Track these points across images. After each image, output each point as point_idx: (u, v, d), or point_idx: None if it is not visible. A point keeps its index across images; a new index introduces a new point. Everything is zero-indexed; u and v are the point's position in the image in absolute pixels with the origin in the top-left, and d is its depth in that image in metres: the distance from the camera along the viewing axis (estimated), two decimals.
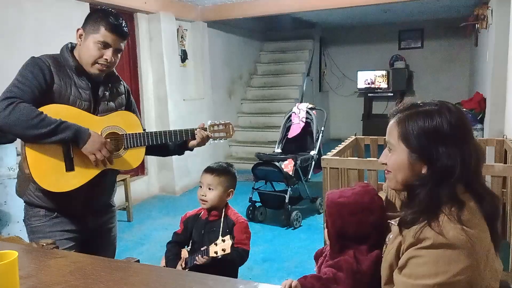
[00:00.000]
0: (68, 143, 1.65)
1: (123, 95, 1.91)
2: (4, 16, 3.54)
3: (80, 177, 1.69)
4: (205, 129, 1.95)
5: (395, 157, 1.14)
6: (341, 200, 1.34)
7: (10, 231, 2.98)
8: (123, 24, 1.73)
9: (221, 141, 2.02)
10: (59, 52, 1.75)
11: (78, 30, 1.73)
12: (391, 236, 1.19)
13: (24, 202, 1.79)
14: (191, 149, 1.99)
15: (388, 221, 1.26)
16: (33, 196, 1.74)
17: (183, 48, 5.80)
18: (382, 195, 1.40)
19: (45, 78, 1.63)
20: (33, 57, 1.68)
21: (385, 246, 1.25)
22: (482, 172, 1.15)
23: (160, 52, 5.24)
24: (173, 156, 6.06)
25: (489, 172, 2.52)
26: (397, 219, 1.15)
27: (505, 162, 3.31)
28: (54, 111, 1.63)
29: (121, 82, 1.94)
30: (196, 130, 1.93)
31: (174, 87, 5.43)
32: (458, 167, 1.05)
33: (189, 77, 5.99)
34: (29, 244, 1.47)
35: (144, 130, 1.92)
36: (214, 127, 1.97)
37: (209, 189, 1.92)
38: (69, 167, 1.67)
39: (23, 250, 1.36)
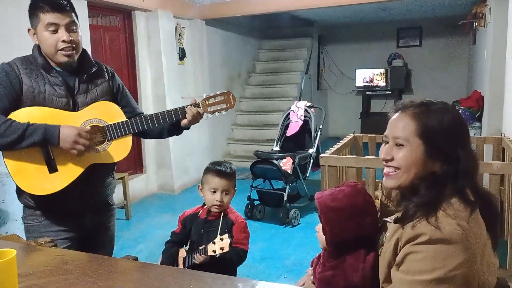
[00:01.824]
0: (46, 145, 1.61)
1: (106, 82, 1.82)
2: (4, 16, 3.53)
3: (65, 177, 1.66)
4: (198, 105, 1.81)
5: (407, 153, 1.11)
6: (336, 205, 1.29)
7: (8, 229, 2.98)
8: None
9: (223, 113, 1.86)
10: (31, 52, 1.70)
11: (29, 31, 1.69)
12: (387, 235, 1.18)
13: (22, 203, 1.78)
14: (187, 128, 1.87)
15: (384, 219, 1.25)
16: (27, 199, 1.73)
17: (181, 46, 5.78)
18: (378, 194, 1.39)
19: (12, 83, 1.61)
20: (2, 63, 1.66)
21: (381, 245, 1.23)
22: (480, 170, 1.17)
23: (158, 50, 5.23)
24: (172, 155, 5.98)
25: (487, 170, 2.53)
26: (393, 217, 1.15)
27: (503, 160, 3.32)
28: (26, 114, 1.61)
29: (102, 67, 1.84)
30: (186, 107, 1.79)
31: (172, 85, 5.42)
32: (474, 167, 1.09)
33: (188, 75, 5.98)
34: (27, 242, 1.47)
35: (141, 113, 1.88)
36: (209, 100, 1.82)
37: (225, 193, 1.90)
38: (52, 169, 1.65)
39: (21, 248, 1.35)
